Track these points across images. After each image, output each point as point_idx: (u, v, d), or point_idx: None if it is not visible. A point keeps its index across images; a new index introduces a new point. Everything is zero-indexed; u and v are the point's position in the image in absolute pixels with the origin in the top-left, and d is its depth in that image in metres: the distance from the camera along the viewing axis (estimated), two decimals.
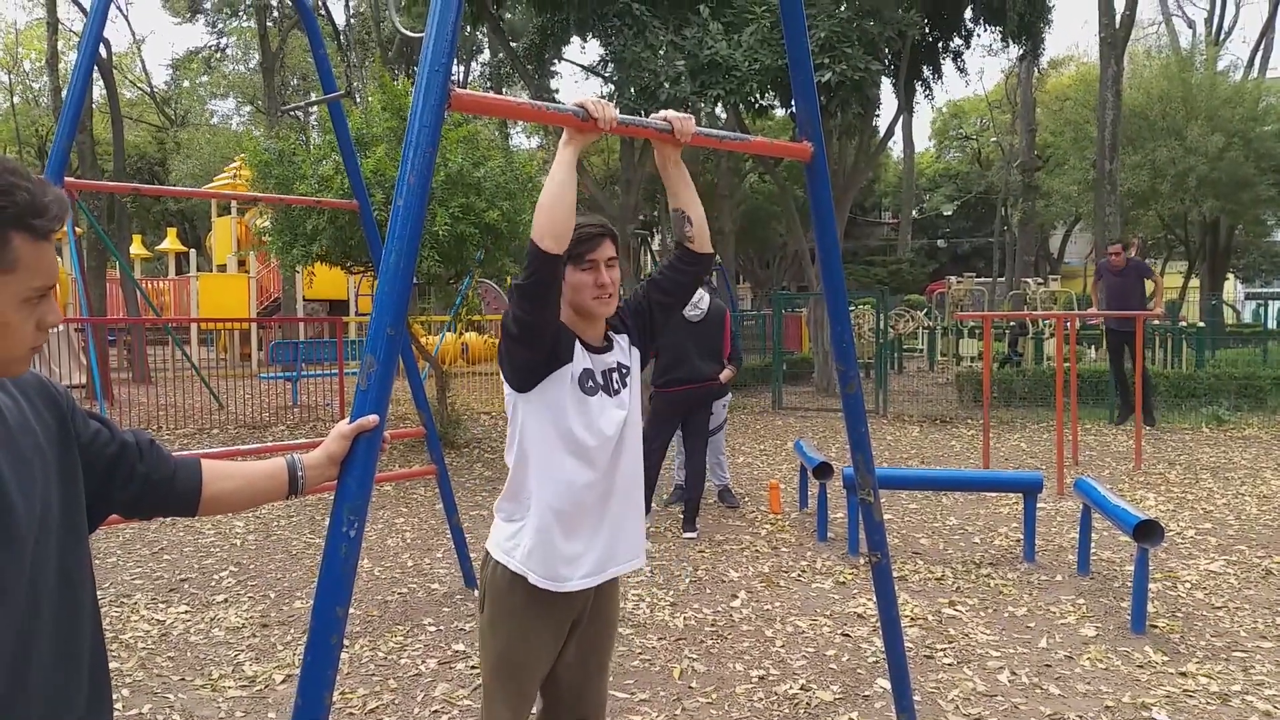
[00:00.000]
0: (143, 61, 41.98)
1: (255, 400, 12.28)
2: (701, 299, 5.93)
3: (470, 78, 30.11)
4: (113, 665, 3.86)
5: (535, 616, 2.21)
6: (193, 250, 23.75)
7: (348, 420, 1.71)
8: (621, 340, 2.33)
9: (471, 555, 5.02)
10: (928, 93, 17.50)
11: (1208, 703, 3.42)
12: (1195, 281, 27.00)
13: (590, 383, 2.20)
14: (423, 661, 3.88)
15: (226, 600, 4.74)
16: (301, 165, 7.95)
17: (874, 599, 4.63)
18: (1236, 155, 21.63)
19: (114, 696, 3.55)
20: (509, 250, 8.22)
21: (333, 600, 1.65)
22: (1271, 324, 24.27)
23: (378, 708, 3.47)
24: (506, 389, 2.25)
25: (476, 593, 2.37)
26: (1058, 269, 34.25)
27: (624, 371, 2.29)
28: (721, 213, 24.32)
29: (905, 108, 16.93)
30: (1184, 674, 3.68)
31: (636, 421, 2.29)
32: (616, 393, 2.25)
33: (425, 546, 5.72)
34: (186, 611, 4.58)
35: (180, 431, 10.58)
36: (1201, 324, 15.02)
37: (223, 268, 22.29)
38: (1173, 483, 7.51)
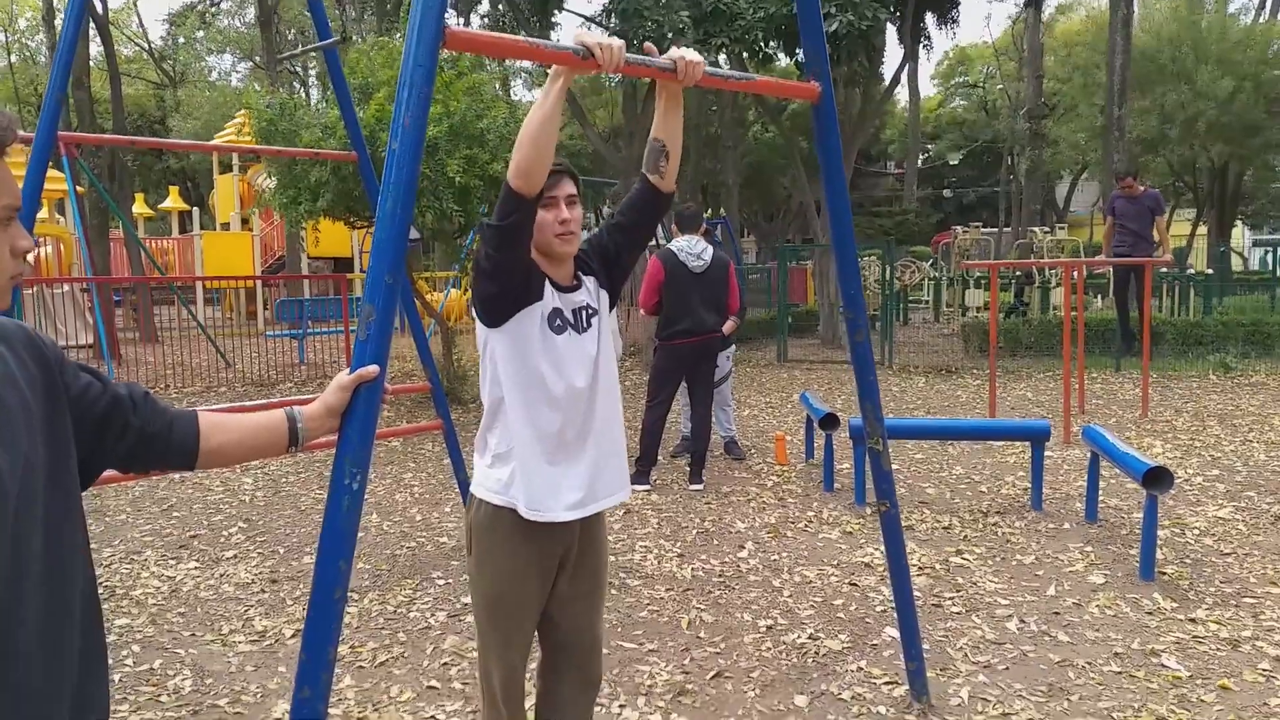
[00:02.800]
0: (139, 16, 41.36)
1: (262, 358, 12.27)
2: (704, 250, 5.86)
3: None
4: (123, 621, 3.91)
5: (522, 551, 2.22)
6: (196, 209, 23.63)
7: (347, 371, 1.68)
8: (589, 282, 2.33)
9: None
10: (927, 44, 17.21)
11: (1217, 649, 3.41)
12: (1203, 228, 26.75)
13: (559, 320, 2.22)
14: (432, 614, 3.90)
15: (236, 556, 4.76)
16: (304, 117, 7.84)
17: (881, 548, 4.64)
18: (1247, 99, 21.28)
19: (125, 653, 3.60)
20: None
21: (336, 554, 1.63)
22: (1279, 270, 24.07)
23: (387, 660, 3.49)
24: (478, 325, 2.26)
25: (462, 537, 2.39)
26: (1064, 218, 33.91)
27: (591, 311, 2.30)
28: (725, 165, 24.07)
29: (911, 55, 16.67)
30: (1193, 620, 3.67)
31: (610, 358, 2.30)
32: (585, 330, 2.26)
33: (433, 501, 5.73)
34: (196, 568, 4.60)
35: (188, 390, 10.60)
36: (1209, 271, 14.86)
37: (226, 226, 22.19)
38: (1180, 430, 7.48)
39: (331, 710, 3.06)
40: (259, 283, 18.02)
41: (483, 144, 7.42)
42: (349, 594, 4.15)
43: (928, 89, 42.95)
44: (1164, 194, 27.90)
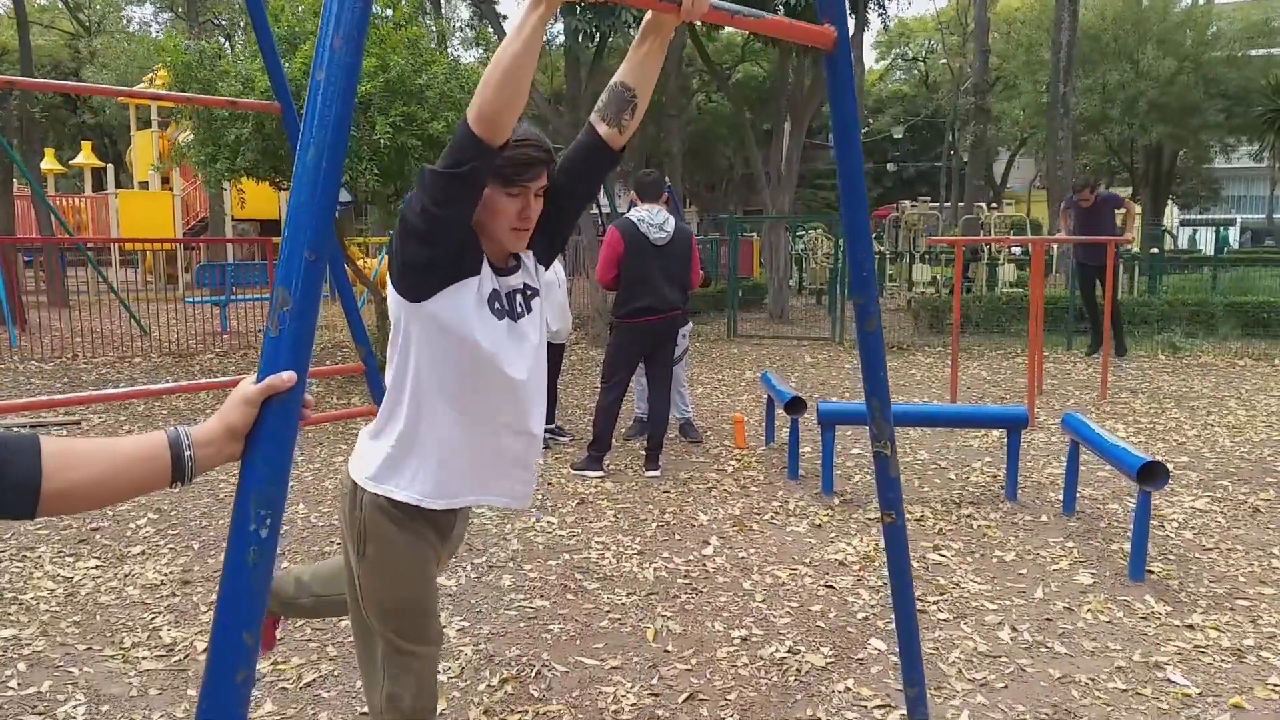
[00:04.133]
0: None
1: (181, 326, 11.55)
2: (667, 221, 5.47)
3: None
4: (10, 633, 3.41)
5: (424, 543, 2.00)
6: (111, 166, 22.35)
7: (254, 378, 1.26)
8: (527, 259, 2.04)
9: None
10: (881, 13, 16.88)
11: (1222, 660, 3.18)
12: (1138, 208, 27.16)
13: (497, 304, 1.92)
14: None
15: (144, 553, 4.26)
16: (225, 67, 7.21)
17: (853, 543, 4.36)
18: (1188, 80, 21.56)
19: (9, 672, 3.11)
20: None
21: (239, 624, 1.21)
22: (1208, 250, 24.58)
23: (315, 680, 3.07)
24: (392, 296, 1.91)
25: (343, 533, 2.05)
26: (1000, 194, 34.24)
27: (529, 293, 2.01)
28: (669, 133, 23.63)
29: (861, 24, 16.34)
30: (1190, 626, 3.44)
31: (543, 345, 2.02)
32: (520, 316, 1.97)
33: None
34: (97, 566, 4.09)
35: (99, 359, 9.88)
36: (1155, 251, 14.98)
37: (144, 185, 21.03)
38: (1139, 413, 7.36)
39: None
40: (180, 246, 17.09)
41: (421, 101, 6.89)
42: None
43: (869, 62, 42.79)
44: (1100, 171, 28.30)
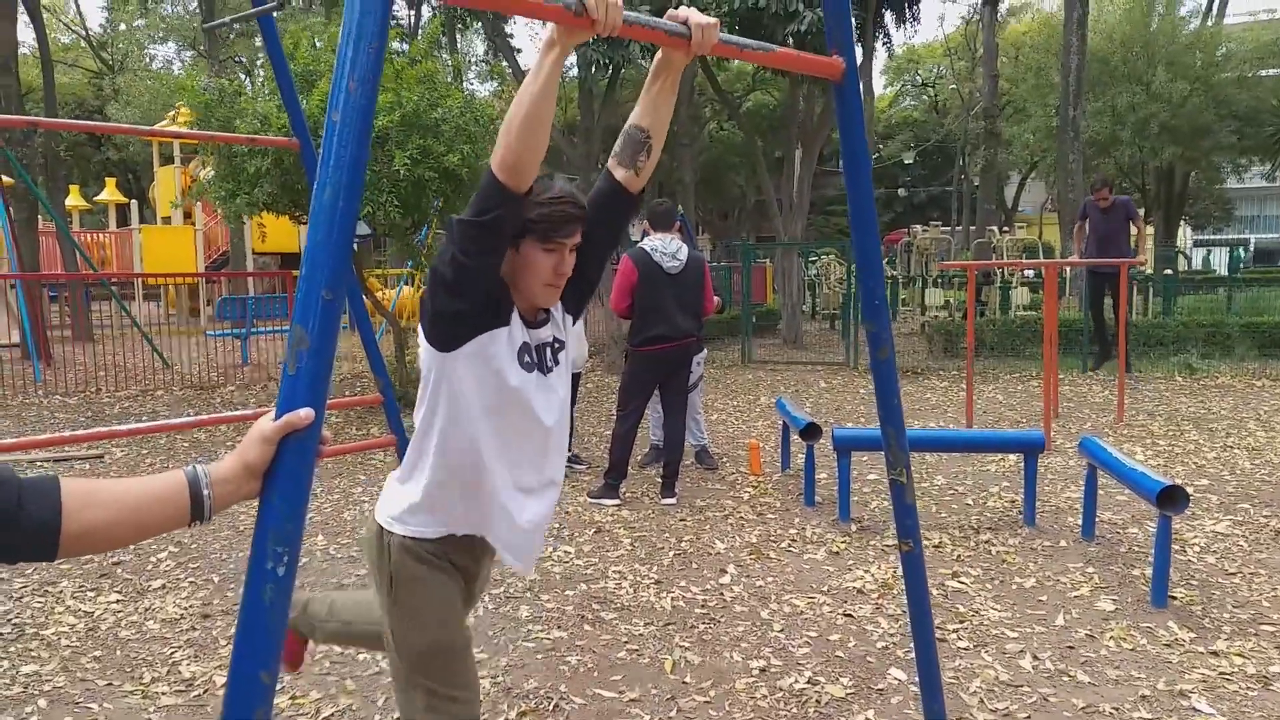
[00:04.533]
0: (77, 3, 39.85)
1: (203, 359, 11.65)
2: (680, 250, 5.50)
3: (421, 21, 28.94)
4: (30, 669, 3.43)
5: (452, 582, 2.01)
6: (135, 202, 22.66)
7: (271, 416, 1.28)
8: (557, 312, 2.04)
9: None
10: (886, 41, 16.97)
11: (1248, 688, 3.14)
12: (1150, 229, 27.06)
13: (527, 357, 1.93)
14: (382, 656, 3.47)
15: (164, 586, 4.29)
16: (244, 105, 7.33)
17: (872, 570, 4.33)
18: (1199, 102, 21.51)
19: (30, 709, 3.13)
20: (469, 198, 7.69)
21: (255, 663, 1.23)
22: (1222, 270, 24.43)
23: (333, 714, 3.07)
24: (423, 346, 1.92)
25: (373, 581, 2.07)
26: (1012, 218, 34.21)
27: (557, 347, 2.03)
28: (682, 162, 23.75)
29: (868, 53, 16.44)
30: (1215, 654, 3.40)
31: (568, 398, 2.05)
32: (549, 370, 1.99)
33: None
34: (118, 601, 4.12)
35: (122, 393, 9.98)
36: (1169, 272, 14.90)
37: (167, 220, 21.29)
38: (1157, 435, 7.30)
39: None
40: (202, 279, 17.28)
41: (437, 135, 6.97)
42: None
43: (879, 88, 42.97)
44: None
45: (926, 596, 2.45)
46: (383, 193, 6.69)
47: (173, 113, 19.88)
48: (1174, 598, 3.93)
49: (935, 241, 18.02)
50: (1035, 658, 3.38)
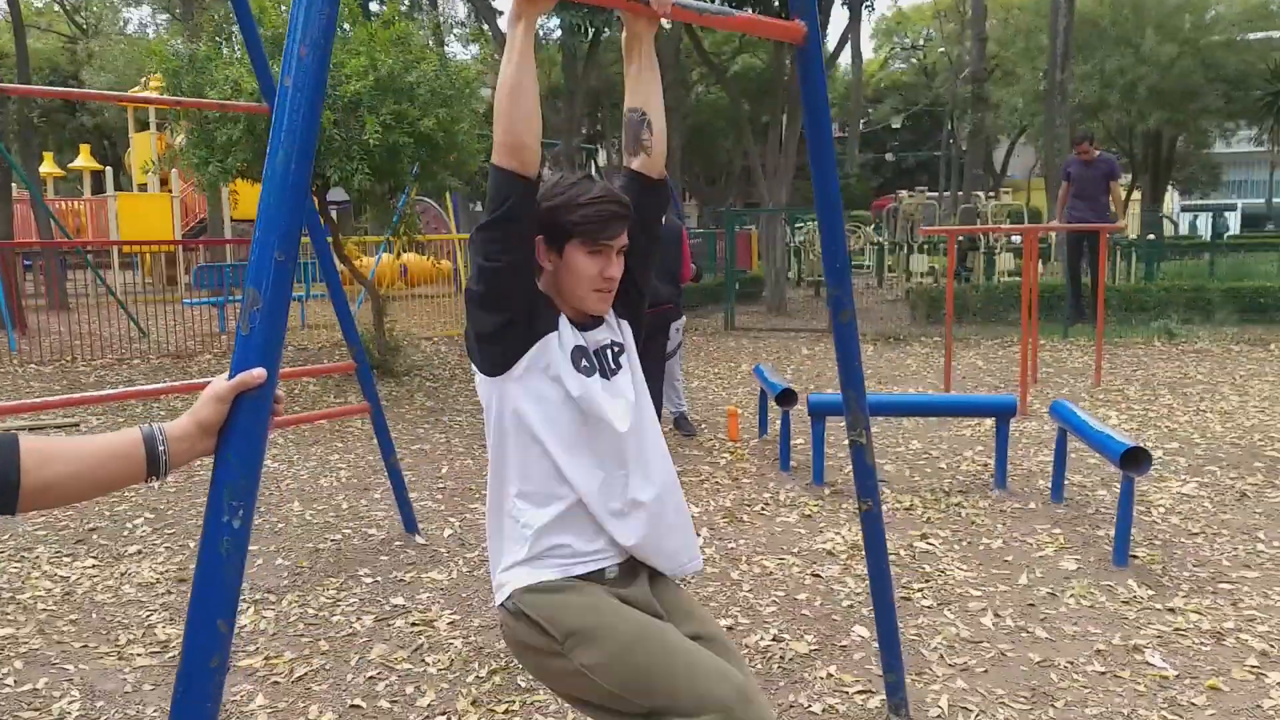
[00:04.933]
0: None
1: (180, 328, 11.60)
2: None
3: None
4: (7, 631, 3.47)
5: (606, 594, 1.78)
6: (110, 169, 22.39)
7: (225, 376, 1.30)
8: (610, 316, 1.90)
9: (412, 496, 4.66)
10: (869, 4, 16.85)
11: (1201, 642, 3.22)
12: (1137, 194, 27.16)
13: (584, 361, 1.78)
14: (358, 618, 3.53)
15: (140, 552, 4.32)
16: (215, 71, 7.24)
17: (842, 532, 4.40)
18: (1187, 64, 21.51)
19: (5, 670, 3.17)
20: (446, 163, 7.65)
21: (211, 611, 1.27)
22: (1207, 236, 24.59)
23: (306, 674, 3.12)
24: (480, 385, 1.81)
25: (539, 670, 1.84)
26: (1001, 182, 34.21)
27: (618, 349, 1.87)
28: (669, 127, 23.59)
29: (856, 16, 16.36)
30: (1172, 610, 3.49)
31: (645, 403, 1.86)
32: (613, 374, 1.83)
33: (362, 486, 5.32)
34: (94, 566, 4.15)
35: (98, 362, 9.94)
36: (1152, 237, 14.98)
37: (143, 187, 21.06)
38: (1132, 400, 7.40)
39: None
40: (179, 247, 17.14)
41: (412, 99, 6.92)
42: (266, 595, 3.77)
43: (868, 52, 42.75)
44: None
45: (885, 553, 2.51)
46: (354, 159, 6.64)
47: (146, 78, 19.61)
48: (1135, 557, 4.01)
49: (921, 207, 18.01)
50: (996, 615, 3.46)
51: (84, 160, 22.66)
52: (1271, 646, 3.19)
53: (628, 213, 1.80)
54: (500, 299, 1.70)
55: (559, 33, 17.24)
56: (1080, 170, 9.44)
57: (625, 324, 1.93)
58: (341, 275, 11.00)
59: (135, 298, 13.17)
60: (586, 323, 1.84)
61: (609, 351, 1.85)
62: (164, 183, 20.06)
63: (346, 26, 7.61)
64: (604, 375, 1.81)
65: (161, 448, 1.24)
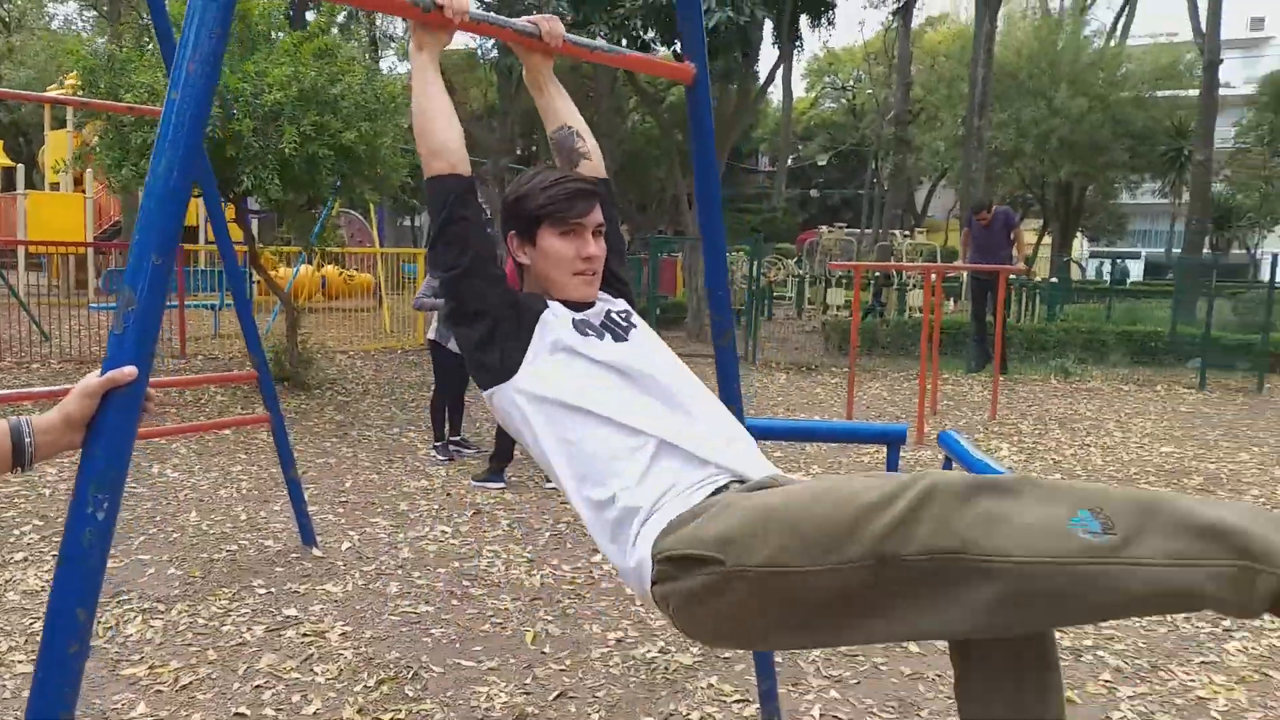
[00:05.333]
0: None
1: (86, 333, 11.27)
2: None
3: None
4: None
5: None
6: (21, 166, 21.64)
7: (97, 373, 1.36)
8: (603, 294, 1.87)
9: (312, 509, 4.65)
10: (799, 45, 17.43)
11: (1060, 659, 3.41)
12: (1047, 239, 28.31)
13: (589, 329, 1.71)
14: (248, 628, 3.52)
15: (26, 559, 4.22)
16: (133, 74, 7.14)
17: None
18: (1096, 119, 22.56)
19: None
20: (368, 177, 7.66)
21: (71, 599, 1.31)
22: (1108, 280, 25.74)
23: (192, 683, 3.11)
24: (497, 400, 1.71)
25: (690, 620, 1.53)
26: (921, 222, 35.30)
27: (625, 314, 1.82)
28: (604, 152, 23.85)
29: (785, 55, 16.82)
30: None
31: (669, 358, 1.75)
32: (622, 335, 1.74)
33: (262, 498, 5.28)
34: None
35: None
36: (1053, 280, 15.65)
37: (56, 186, 20.42)
38: (1025, 433, 7.74)
39: None
40: (90, 250, 16.66)
41: (335, 111, 6.93)
42: (155, 604, 3.73)
43: (799, 90, 43.84)
44: (1014, 205, 29.52)
45: None
46: (267, 169, 6.61)
47: (63, 76, 19.08)
48: None
49: (839, 242, 18.52)
50: None
51: None
52: (1125, 664, 3.41)
53: (595, 189, 1.79)
54: (474, 303, 1.68)
55: (495, 53, 17.33)
56: (980, 232, 10.04)
57: (622, 300, 1.89)
58: (258, 285, 10.85)
59: (40, 300, 12.76)
60: (577, 303, 1.77)
61: (616, 317, 1.78)
62: (78, 183, 19.49)
63: (275, 35, 7.60)
64: (616, 339, 1.71)
65: (28, 439, 1.29)
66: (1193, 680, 3.30)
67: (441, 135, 1.69)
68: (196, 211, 18.99)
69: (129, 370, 1.34)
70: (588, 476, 1.60)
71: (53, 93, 18.13)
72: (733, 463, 1.60)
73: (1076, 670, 3.34)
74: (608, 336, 1.71)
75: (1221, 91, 18.40)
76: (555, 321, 1.69)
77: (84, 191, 19.12)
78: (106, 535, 1.34)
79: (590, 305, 1.79)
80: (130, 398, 1.36)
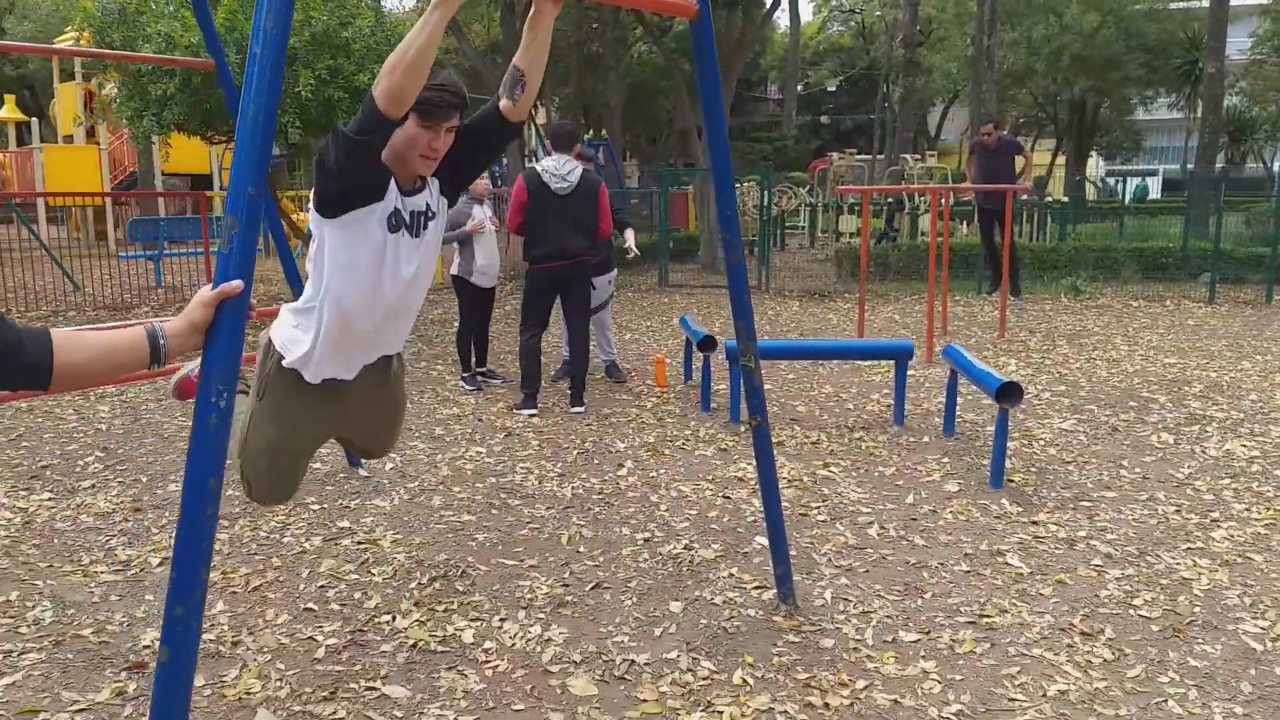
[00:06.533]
0: None
1: (115, 281, 11.58)
2: (572, 171, 5.74)
3: None
4: None
5: (308, 408, 2.48)
6: (35, 120, 21.77)
7: (210, 286, 1.62)
8: (433, 185, 2.40)
9: None
10: None
11: (1055, 548, 3.71)
12: (1061, 159, 28.09)
13: (395, 221, 2.29)
14: (307, 539, 3.85)
15: (94, 486, 4.55)
16: (147, 25, 7.29)
17: (753, 462, 4.82)
18: (1109, 33, 22.24)
19: None
20: None
21: (205, 471, 1.59)
22: (1127, 199, 25.61)
23: (261, 585, 3.44)
24: (311, 210, 2.30)
25: (254, 374, 2.55)
26: (934, 146, 34.96)
27: (430, 215, 2.39)
28: (607, 85, 23.69)
29: None
30: (1035, 523, 3.98)
31: (431, 262, 2.45)
32: (419, 234, 2.36)
33: None
34: (50, 499, 4.38)
35: (33, 314, 9.93)
36: (1065, 199, 15.67)
37: (69, 139, 20.57)
38: (1032, 349, 7.96)
39: (205, 635, 3.01)
40: (109, 201, 16.89)
41: (347, 54, 7.08)
42: (220, 521, 4.05)
43: (807, 14, 43.06)
44: (1026, 125, 29.12)
45: (773, 465, 2.91)
46: (285, 113, 6.80)
47: (71, 29, 19.07)
48: (1012, 481, 4.51)
49: (851, 169, 18.50)
50: (882, 527, 3.91)
51: (8, 111, 21.99)
52: (1115, 550, 3.70)
53: (460, 102, 2.24)
54: (344, 183, 2.16)
55: None
56: (984, 157, 10.10)
57: (444, 200, 2.44)
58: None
59: (63, 252, 13.05)
60: (411, 188, 2.32)
61: (422, 217, 2.35)
62: (90, 135, 19.64)
63: None
64: (411, 234, 2.33)
65: (162, 340, 1.56)
66: (1178, 564, 3.58)
67: (411, 91, 1.99)
68: (209, 159, 19.16)
69: (236, 284, 1.60)
70: (314, 298, 2.35)
71: (61, 44, 18.16)
72: (334, 361, 2.43)
73: (1069, 557, 3.63)
74: (403, 230, 2.31)
75: (1235, 1, 18.08)
76: (377, 211, 2.24)
77: (98, 143, 19.28)
78: (227, 419, 1.61)
79: (420, 190, 2.35)
80: (239, 306, 1.62)
